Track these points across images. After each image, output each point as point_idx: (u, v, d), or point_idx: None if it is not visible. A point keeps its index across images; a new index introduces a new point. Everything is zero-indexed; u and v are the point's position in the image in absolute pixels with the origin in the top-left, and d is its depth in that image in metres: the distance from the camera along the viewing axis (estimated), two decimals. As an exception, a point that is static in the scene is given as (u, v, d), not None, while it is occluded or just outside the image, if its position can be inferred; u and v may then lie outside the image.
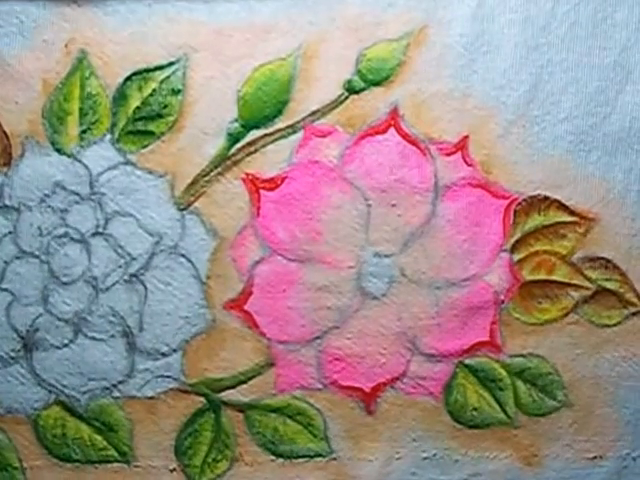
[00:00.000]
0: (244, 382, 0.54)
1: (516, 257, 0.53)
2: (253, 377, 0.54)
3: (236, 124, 0.52)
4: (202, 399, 0.54)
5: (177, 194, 0.52)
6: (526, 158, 0.52)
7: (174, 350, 0.53)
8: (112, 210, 0.52)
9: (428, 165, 0.52)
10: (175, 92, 0.52)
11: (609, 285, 0.53)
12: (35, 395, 0.54)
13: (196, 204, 0.53)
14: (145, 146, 0.52)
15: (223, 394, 0.54)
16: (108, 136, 0.52)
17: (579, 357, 0.54)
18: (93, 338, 0.53)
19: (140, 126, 0.52)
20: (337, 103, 0.52)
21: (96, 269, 0.53)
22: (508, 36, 0.51)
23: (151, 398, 0.54)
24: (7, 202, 0.53)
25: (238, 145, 0.52)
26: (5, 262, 0.53)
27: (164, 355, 0.53)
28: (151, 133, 0.52)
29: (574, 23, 0.51)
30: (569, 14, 0.51)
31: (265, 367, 0.54)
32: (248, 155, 0.52)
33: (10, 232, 0.53)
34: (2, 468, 0.55)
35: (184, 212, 0.53)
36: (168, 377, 0.54)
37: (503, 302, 0.53)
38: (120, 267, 0.53)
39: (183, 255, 0.53)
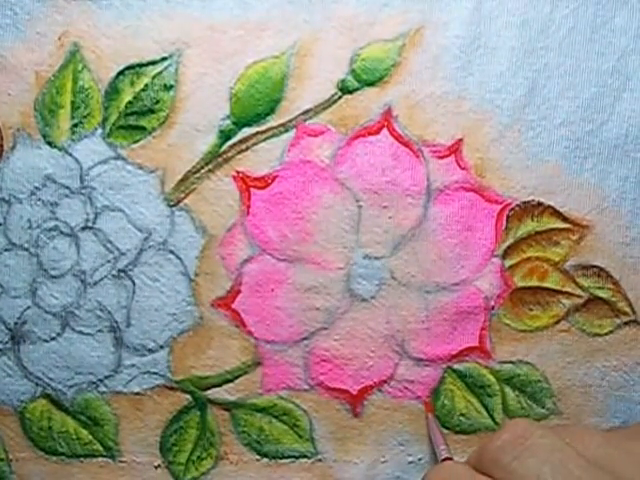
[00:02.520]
0: (230, 381, 0.54)
1: (508, 263, 0.53)
2: (240, 376, 0.54)
3: (228, 121, 0.52)
4: (188, 396, 0.54)
5: (167, 190, 0.52)
6: (520, 163, 0.52)
7: (161, 347, 0.53)
8: (102, 205, 0.52)
9: (421, 167, 0.52)
10: (167, 88, 0.52)
11: (601, 294, 0.53)
12: (22, 387, 0.54)
13: (186, 201, 0.52)
14: (136, 141, 0.52)
15: (209, 392, 0.54)
16: (99, 130, 0.52)
17: (569, 365, 0.53)
18: (80, 332, 0.53)
19: (131, 121, 0.52)
20: (330, 102, 0.52)
21: (85, 263, 0.53)
22: (505, 39, 0.51)
23: (137, 394, 0.54)
24: (-2, 194, 0.53)
25: (229, 142, 0.52)
26: (-6, 254, 0.53)
27: (151, 351, 0.53)
28: (142, 128, 0.52)
29: (572, 27, 0.51)
30: (568, 18, 0.51)
31: (252, 366, 0.53)
32: (239, 153, 0.52)
33: (0, 224, 0.53)
34: (-12, 459, 0.55)
35: (174, 208, 0.52)
36: (154, 373, 0.53)
37: (493, 308, 0.53)
38: (109, 262, 0.52)
39: (172, 252, 0.52)
